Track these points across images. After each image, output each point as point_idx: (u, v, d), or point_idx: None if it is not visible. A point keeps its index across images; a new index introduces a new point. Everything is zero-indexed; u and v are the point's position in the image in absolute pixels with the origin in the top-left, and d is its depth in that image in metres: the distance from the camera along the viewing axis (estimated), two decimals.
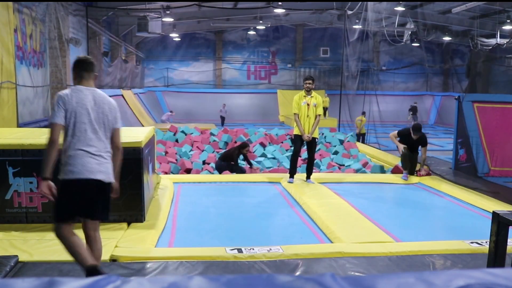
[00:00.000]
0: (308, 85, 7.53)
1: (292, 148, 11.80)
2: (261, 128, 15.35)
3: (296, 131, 7.63)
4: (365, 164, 10.14)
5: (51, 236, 4.63)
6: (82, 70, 3.32)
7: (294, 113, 7.55)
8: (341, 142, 12.80)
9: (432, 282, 0.83)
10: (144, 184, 5.14)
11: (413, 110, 24.14)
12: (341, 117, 16.49)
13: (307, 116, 7.46)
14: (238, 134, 13.03)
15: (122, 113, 16.32)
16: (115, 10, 16.93)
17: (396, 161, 10.26)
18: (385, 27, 17.82)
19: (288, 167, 8.41)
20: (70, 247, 3.19)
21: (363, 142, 14.45)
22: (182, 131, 13.43)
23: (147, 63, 27.16)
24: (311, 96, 7.52)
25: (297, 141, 7.65)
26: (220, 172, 9.14)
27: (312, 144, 7.61)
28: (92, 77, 3.36)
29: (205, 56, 27.73)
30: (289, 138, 12.82)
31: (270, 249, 4.33)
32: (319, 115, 7.53)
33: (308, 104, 7.46)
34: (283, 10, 19.86)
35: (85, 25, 15.00)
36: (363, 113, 15.45)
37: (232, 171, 9.09)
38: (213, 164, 9.92)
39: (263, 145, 12.05)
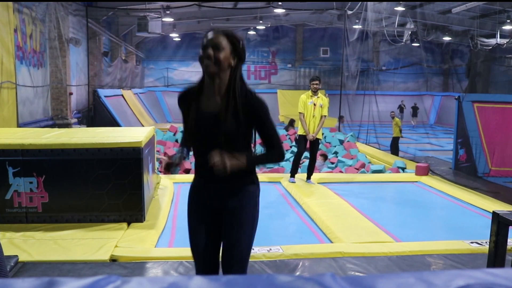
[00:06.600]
0: (315, 85, 7.53)
1: (292, 148, 11.84)
2: None
3: (300, 131, 7.61)
4: (361, 167, 10.13)
5: (51, 236, 4.65)
6: None
7: (300, 112, 7.55)
8: (341, 142, 12.80)
9: (432, 282, 0.83)
10: (144, 184, 5.14)
11: (400, 108, 24.79)
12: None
13: (313, 116, 7.47)
14: None
15: (122, 113, 16.15)
16: (115, 10, 16.91)
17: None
18: (385, 27, 17.79)
19: (288, 169, 8.38)
20: None
21: None
22: (182, 132, 13.41)
23: (147, 63, 27.13)
24: (318, 97, 7.56)
25: (301, 141, 7.63)
26: None
27: (314, 145, 7.62)
28: None
29: None
30: (295, 139, 12.78)
31: (270, 249, 4.33)
32: (325, 116, 7.55)
33: (314, 104, 7.49)
34: (283, 10, 19.83)
35: (85, 25, 14.99)
36: None
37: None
38: None
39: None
